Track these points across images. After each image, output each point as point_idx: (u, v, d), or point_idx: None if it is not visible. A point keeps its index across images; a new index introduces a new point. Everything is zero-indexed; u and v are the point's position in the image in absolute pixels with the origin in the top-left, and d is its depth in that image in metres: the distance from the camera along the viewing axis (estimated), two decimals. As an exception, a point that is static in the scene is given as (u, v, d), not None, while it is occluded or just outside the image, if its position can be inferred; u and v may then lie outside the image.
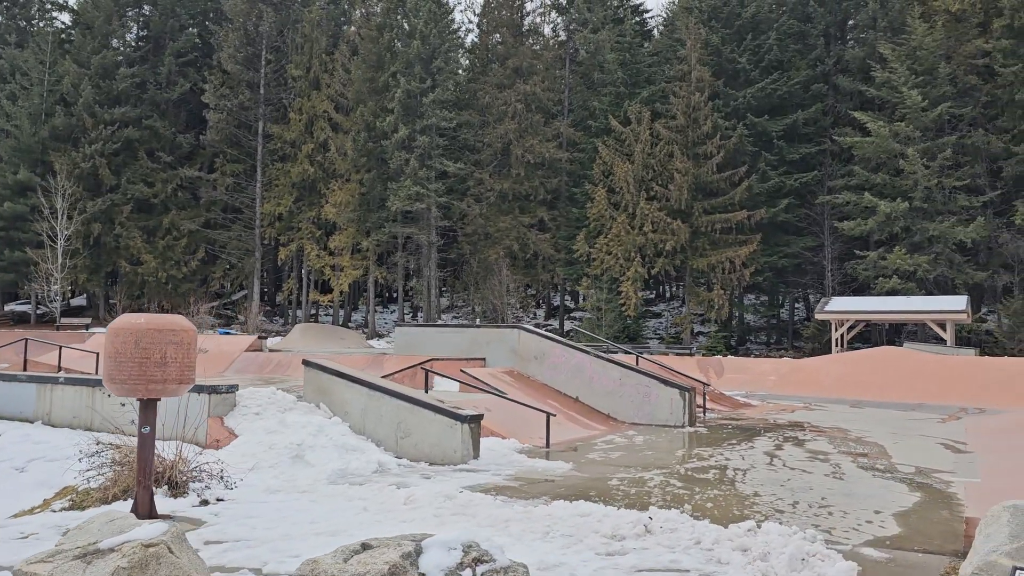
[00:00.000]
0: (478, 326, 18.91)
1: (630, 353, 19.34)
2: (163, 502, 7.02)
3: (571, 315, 48.55)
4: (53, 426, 10.31)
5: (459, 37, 46.21)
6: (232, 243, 44.71)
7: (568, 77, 46.32)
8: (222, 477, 7.44)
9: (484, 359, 16.48)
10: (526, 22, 47.70)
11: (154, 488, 7.34)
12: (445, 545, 3.39)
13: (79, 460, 7.38)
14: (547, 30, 48.44)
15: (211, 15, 50.29)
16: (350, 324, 48.29)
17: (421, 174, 40.00)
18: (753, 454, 11.07)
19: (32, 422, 10.39)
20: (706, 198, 37.65)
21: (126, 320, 6.09)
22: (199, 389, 9.41)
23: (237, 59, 43.66)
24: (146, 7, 47.56)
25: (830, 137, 38.46)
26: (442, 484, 8.12)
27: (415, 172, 39.90)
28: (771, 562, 5.38)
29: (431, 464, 9.61)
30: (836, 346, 30.08)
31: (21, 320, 41.84)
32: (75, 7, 48.33)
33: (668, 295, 53.55)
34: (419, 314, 50.21)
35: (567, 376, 15.64)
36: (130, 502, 6.83)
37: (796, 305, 44.12)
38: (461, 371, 14.65)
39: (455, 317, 49.34)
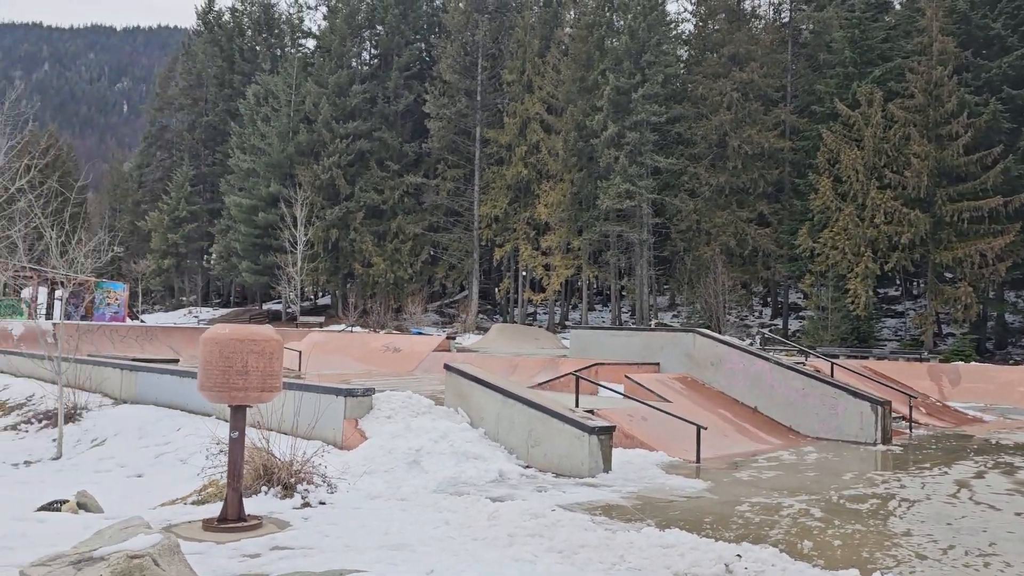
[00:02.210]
0: (651, 329, 18.20)
1: (850, 358, 17.64)
2: (271, 502, 7.41)
3: (799, 314, 45.48)
4: (226, 421, 11.33)
5: (671, 28, 44.93)
6: (453, 245, 47.05)
7: (790, 61, 43.36)
8: (326, 480, 7.71)
9: (658, 364, 15.81)
10: (745, 5, 45.37)
11: (267, 488, 7.82)
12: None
13: (206, 458, 8.01)
14: (767, 12, 45.69)
15: (436, 29, 53.27)
16: (567, 322, 48.89)
17: (631, 171, 39.49)
18: (939, 482, 9.54)
19: (209, 416, 11.51)
20: (951, 184, 33.43)
21: (213, 331, 6.50)
22: (336, 392, 9.87)
23: (455, 69, 45.85)
24: (378, 27, 51.42)
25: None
26: (546, 499, 7.82)
27: (625, 169, 39.47)
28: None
29: (557, 475, 9.33)
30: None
31: (274, 318, 47.07)
32: (317, 33, 53.48)
33: (916, 292, 48.31)
34: (634, 313, 49.63)
35: (745, 384, 14.55)
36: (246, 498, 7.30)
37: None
38: (626, 377, 14.16)
39: (674, 317, 48.14)
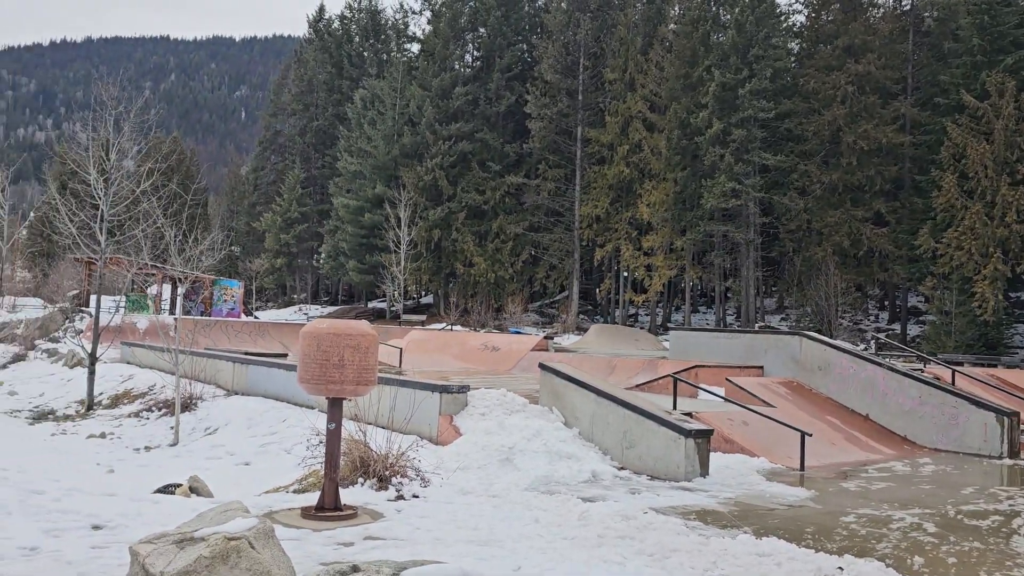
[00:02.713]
0: (755, 332, 17.64)
1: (975, 366, 16.66)
2: (366, 494, 7.61)
3: (919, 319, 43.17)
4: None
5: (781, 21, 43.44)
6: (553, 245, 47.05)
7: (911, 51, 41.21)
8: (419, 475, 7.85)
9: (762, 367, 15.32)
10: (861, -7, 43.34)
11: (363, 480, 8.03)
12: (421, 577, 3.21)
13: (306, 448, 8.30)
14: (886, 0, 43.56)
15: (537, 30, 53.46)
16: (669, 324, 48.08)
17: (737, 169, 38.46)
18: (1072, 502, 8.84)
19: (312, 408, 11.94)
20: (1092, 179, 30.98)
21: (313, 326, 6.72)
22: (432, 388, 10.04)
23: (556, 68, 45.86)
24: (480, 30, 52.05)
25: None
26: (639, 501, 7.71)
27: (731, 167, 38.48)
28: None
29: (652, 478, 9.18)
30: None
31: (378, 316, 48.37)
32: (421, 37, 54.63)
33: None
34: (739, 316, 48.30)
35: (856, 391, 13.90)
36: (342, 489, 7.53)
37: None
38: (726, 380, 13.80)
39: (782, 320, 46.57)
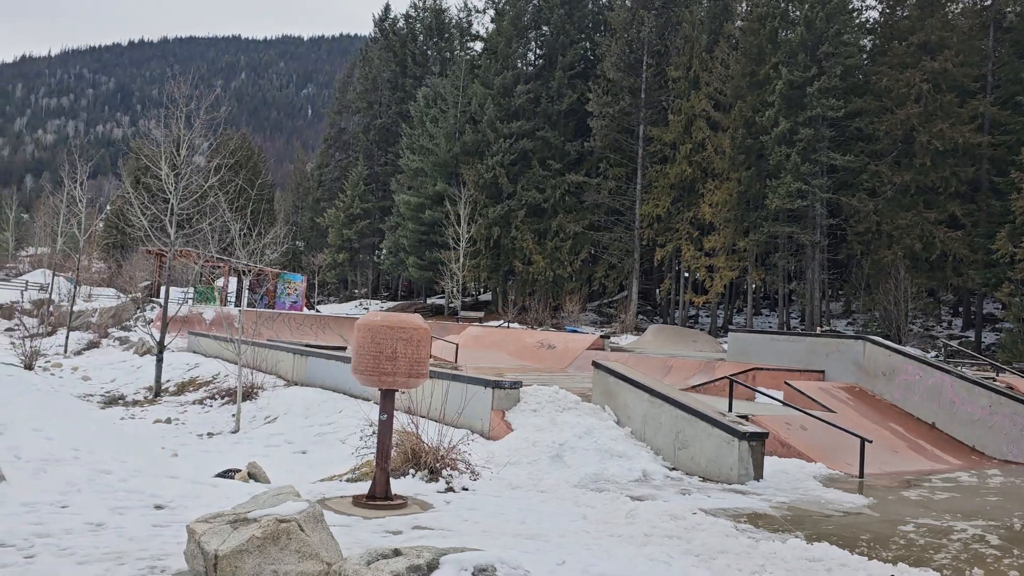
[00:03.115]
0: (816, 335, 17.26)
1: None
2: (416, 485, 7.75)
3: (995, 327, 41.59)
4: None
5: (853, 17, 42.30)
6: (613, 244, 46.79)
7: (991, 47, 39.69)
8: (469, 468, 7.95)
9: (823, 372, 15.00)
10: (938, -12, 41.91)
11: (414, 471, 8.17)
12: (459, 564, 3.26)
13: (360, 439, 8.48)
14: (966, -6, 42.00)
15: (600, 28, 53.23)
16: (731, 327, 47.37)
17: (804, 169, 37.63)
18: None
19: (368, 400, 12.17)
20: None
21: (367, 318, 6.87)
22: (484, 383, 10.14)
23: (619, 66, 45.59)
24: (543, 28, 52.07)
25: None
26: (689, 502, 7.66)
27: (797, 167, 37.68)
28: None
29: (704, 480, 9.10)
30: None
31: (436, 312, 48.85)
32: (484, 36, 54.90)
33: None
34: (803, 320, 47.27)
35: (921, 398, 13.51)
36: (396, 478, 7.69)
37: None
38: (785, 383, 13.56)
39: (848, 324, 45.45)
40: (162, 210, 17.70)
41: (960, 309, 45.20)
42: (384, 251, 61.63)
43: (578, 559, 5.49)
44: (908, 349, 15.19)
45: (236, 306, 34.43)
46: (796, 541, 6.23)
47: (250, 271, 16.93)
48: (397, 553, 3.46)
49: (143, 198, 17.96)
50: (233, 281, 38.04)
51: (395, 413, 9.18)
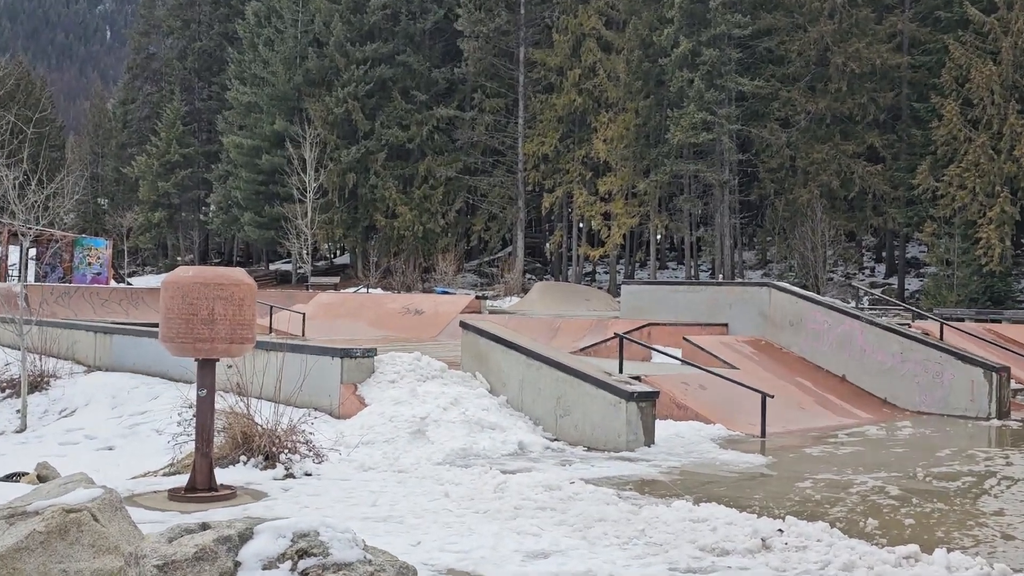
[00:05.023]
0: (718, 284, 18.27)
1: (976, 321, 17.51)
2: (249, 473, 7.82)
3: (919, 271, 44.79)
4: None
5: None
6: (493, 191, 47.22)
7: (910, -46, 42.11)
8: (313, 450, 8.09)
9: (726, 325, 15.89)
10: None
11: (247, 458, 8.23)
12: (276, 532, 3.44)
13: (177, 424, 8.45)
14: None
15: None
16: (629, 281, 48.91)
17: (709, 96, 38.96)
18: (1056, 462, 9.54)
19: (191, 383, 12.03)
20: (1111, 105, 32.37)
21: (175, 274, 6.84)
22: (331, 353, 10.24)
23: (494, -25, 45.63)
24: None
25: None
26: (568, 472, 8.08)
27: (701, 95, 38.95)
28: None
29: (588, 449, 9.57)
30: None
31: (283, 280, 48.13)
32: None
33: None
34: (714, 272, 49.37)
35: (831, 348, 14.55)
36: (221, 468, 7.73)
37: None
38: (684, 339, 14.31)
39: (764, 275, 47.76)
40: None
41: (884, 254, 48.34)
42: (212, 207, 59.84)
43: (435, 538, 5.77)
44: (816, 295, 16.26)
45: (20, 280, 32.80)
46: (681, 503, 6.73)
47: (33, 234, 16.21)
48: (205, 527, 3.59)
49: None
50: (14, 250, 36.13)
51: (224, 394, 9.18)
